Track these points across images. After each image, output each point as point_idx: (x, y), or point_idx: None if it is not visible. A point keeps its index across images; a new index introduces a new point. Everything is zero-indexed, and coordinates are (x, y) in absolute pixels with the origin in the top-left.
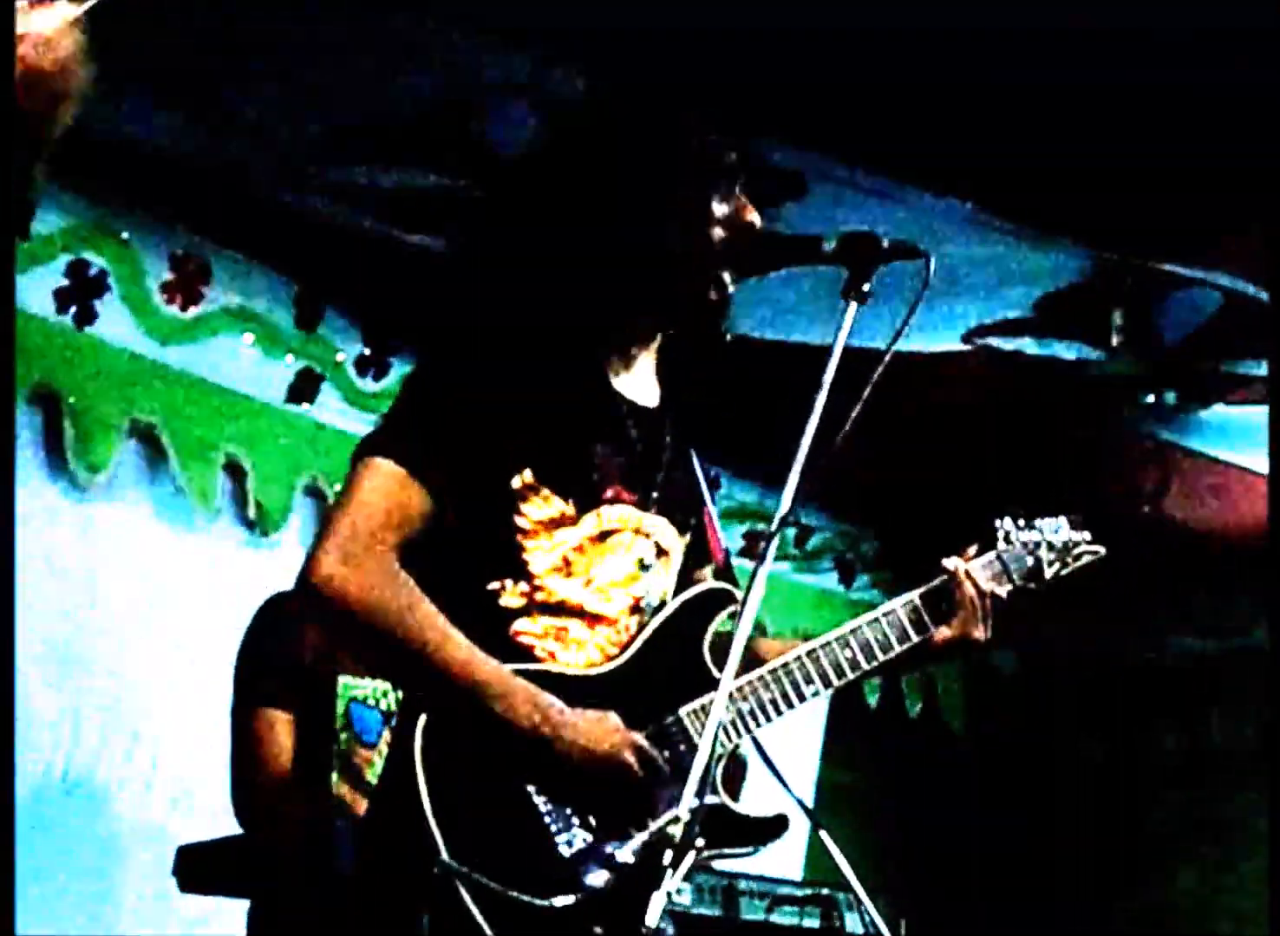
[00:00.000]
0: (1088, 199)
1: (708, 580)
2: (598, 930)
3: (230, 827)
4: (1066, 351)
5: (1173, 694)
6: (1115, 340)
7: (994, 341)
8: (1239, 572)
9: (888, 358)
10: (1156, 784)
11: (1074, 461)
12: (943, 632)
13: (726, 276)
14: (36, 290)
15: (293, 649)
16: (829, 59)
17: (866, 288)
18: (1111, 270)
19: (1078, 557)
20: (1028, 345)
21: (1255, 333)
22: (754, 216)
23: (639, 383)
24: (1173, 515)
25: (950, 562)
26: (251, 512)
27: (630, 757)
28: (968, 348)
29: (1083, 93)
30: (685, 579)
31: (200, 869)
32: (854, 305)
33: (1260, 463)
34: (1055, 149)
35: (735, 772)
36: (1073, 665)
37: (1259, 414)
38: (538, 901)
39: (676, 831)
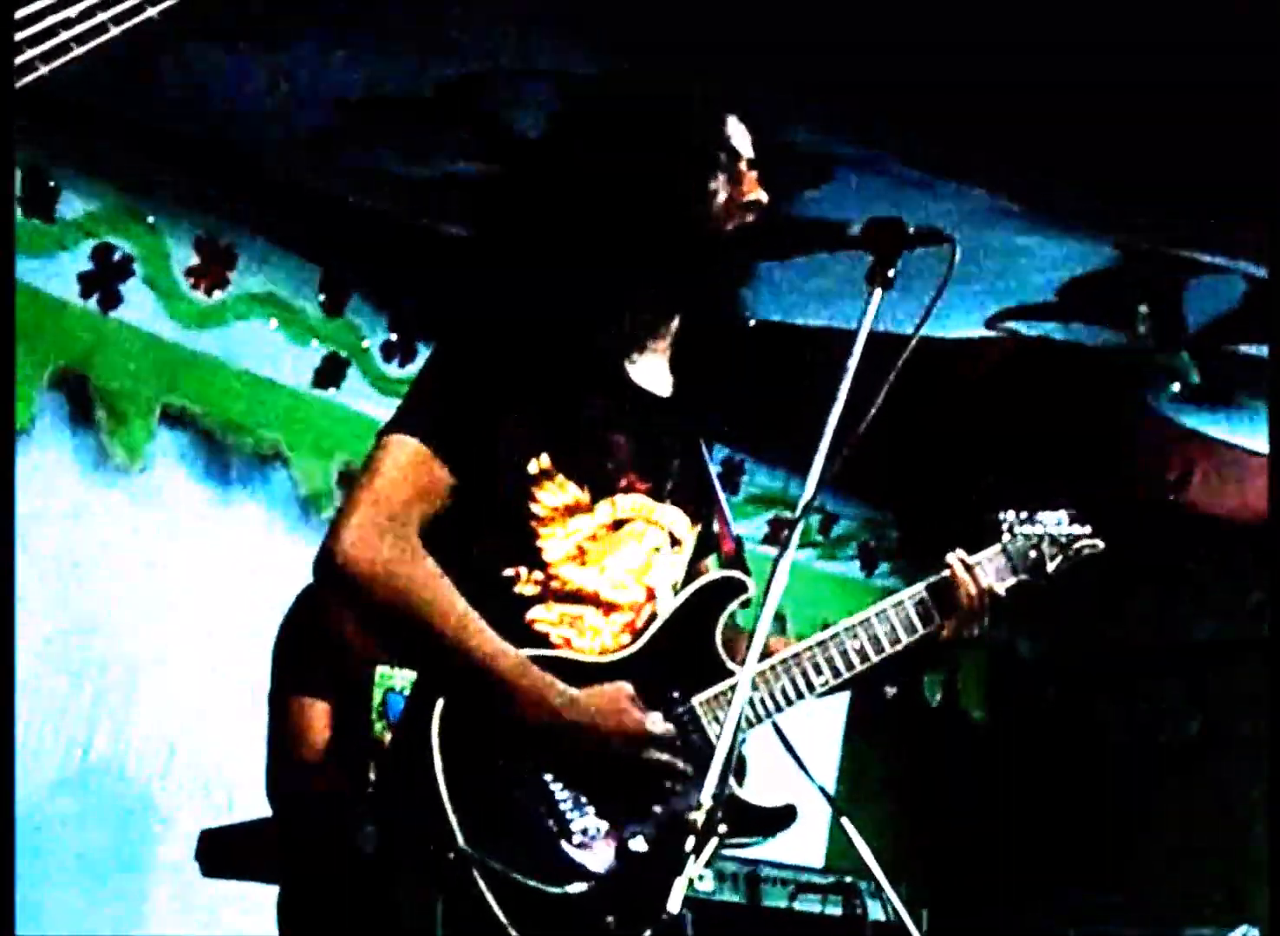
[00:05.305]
0: (1113, 187)
1: (713, 570)
2: (609, 919)
3: (252, 813)
4: (1091, 338)
5: (1193, 680)
6: (1140, 327)
7: (1019, 328)
8: (1260, 560)
9: (913, 343)
10: (1177, 770)
11: (1098, 449)
12: (946, 627)
13: (739, 254)
14: (61, 275)
15: (331, 636)
16: (857, 46)
17: (891, 273)
18: (1136, 257)
19: (1079, 551)
20: (1052, 332)
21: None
22: (759, 194)
23: (653, 372)
24: (1196, 502)
25: (952, 557)
26: (297, 496)
27: (642, 746)
28: (993, 334)
29: (1109, 82)
30: (693, 569)
31: (224, 853)
32: (879, 291)
33: None
34: (1081, 138)
35: (737, 768)
36: (1093, 652)
37: None
38: (551, 888)
39: (699, 817)
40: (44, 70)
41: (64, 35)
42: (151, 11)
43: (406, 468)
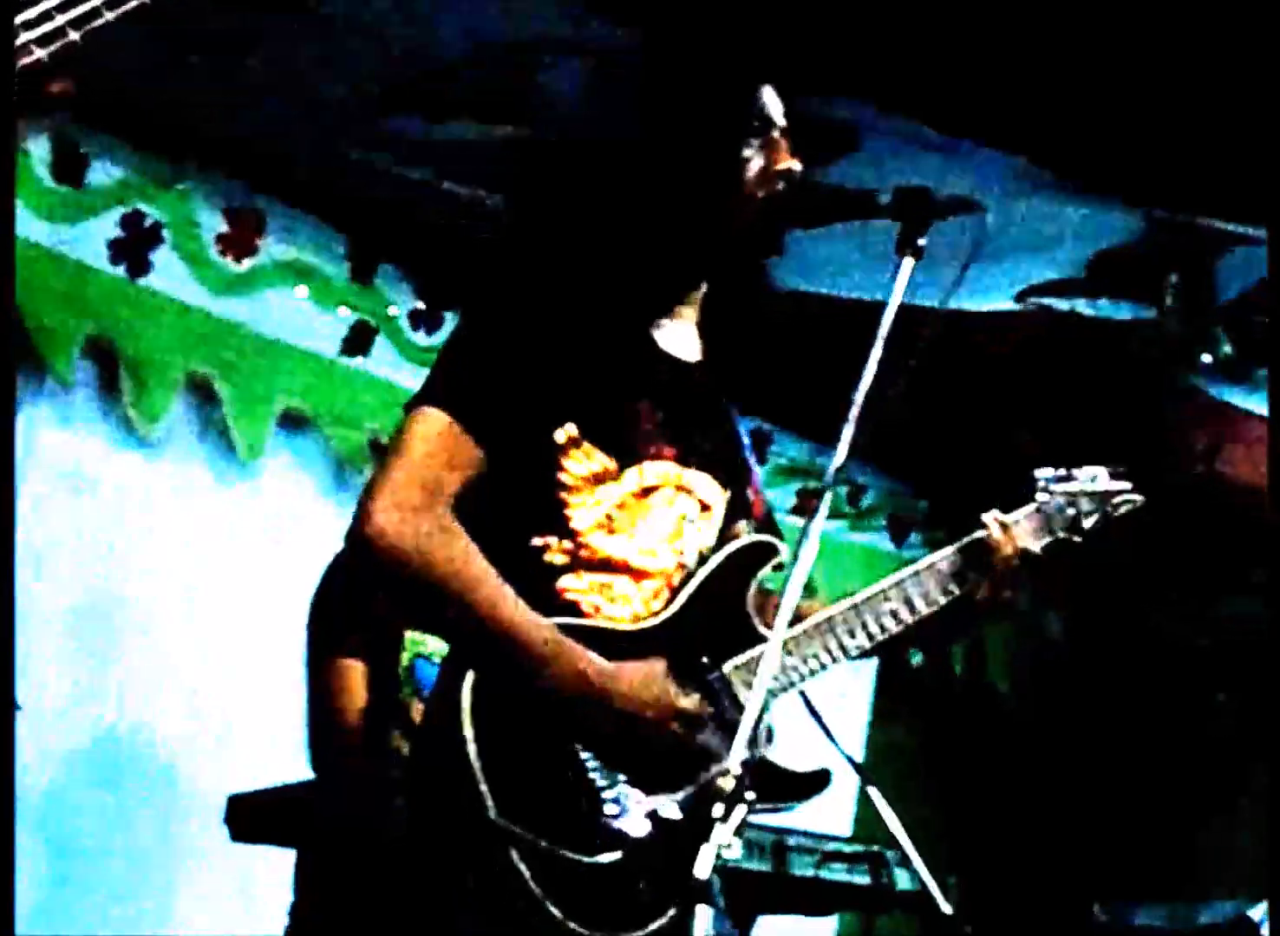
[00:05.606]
0: (1143, 155)
1: (746, 534)
2: (642, 887)
3: (278, 779)
4: (1121, 310)
5: (1222, 656)
6: (1170, 299)
7: (1048, 300)
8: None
9: (941, 315)
10: (1204, 745)
11: (1127, 421)
12: (981, 588)
13: (770, 223)
14: (91, 241)
15: (365, 599)
16: (883, 11)
17: (921, 243)
18: (1166, 227)
19: (1117, 507)
20: (1082, 304)
21: None
22: (792, 163)
23: (680, 337)
24: (1226, 475)
25: (988, 516)
26: (323, 464)
27: (675, 723)
28: (1021, 306)
29: (1139, 47)
30: (725, 533)
31: (251, 818)
32: (909, 260)
33: None
34: (1111, 104)
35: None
36: (1120, 625)
37: None
38: (585, 858)
39: (727, 784)
40: (41, 54)
41: (60, 19)
42: (109, 15)
43: (434, 440)
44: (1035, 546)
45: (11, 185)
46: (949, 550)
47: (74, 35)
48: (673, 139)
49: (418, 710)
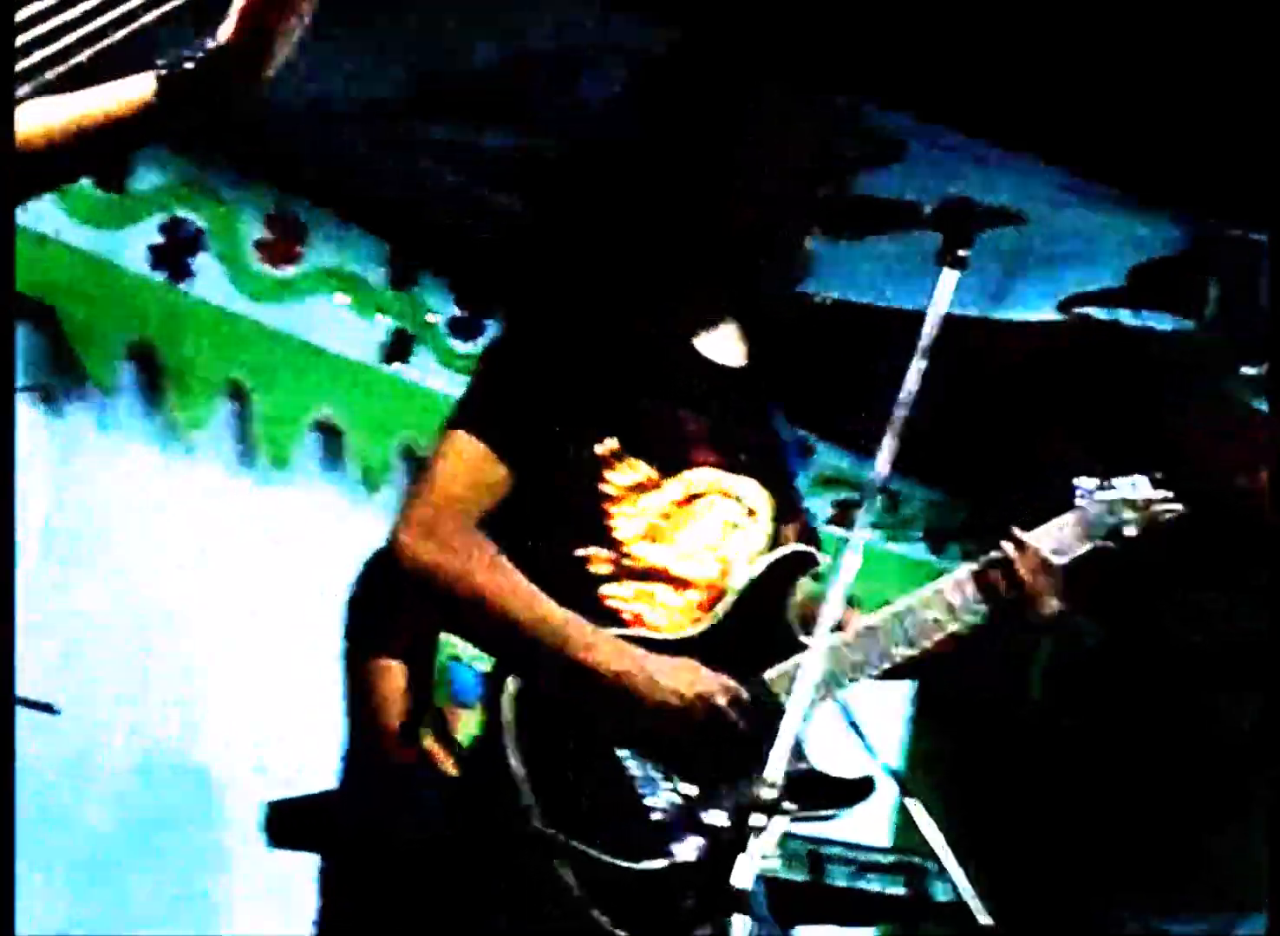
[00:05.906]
0: (1185, 166)
1: (792, 541)
2: (688, 895)
3: (317, 786)
4: (1163, 321)
5: (1259, 665)
6: (1210, 309)
7: (1090, 311)
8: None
9: (982, 324)
10: (1239, 755)
11: (1169, 432)
12: (1013, 600)
13: (800, 239)
14: (133, 247)
15: (397, 603)
16: (929, 22)
17: (963, 254)
18: (1207, 238)
19: (1157, 516)
20: (1124, 315)
21: None
22: (823, 186)
23: (721, 343)
24: (1269, 487)
25: (1015, 536)
26: (351, 471)
27: (720, 698)
28: (1064, 317)
29: (1184, 60)
30: (774, 537)
31: (289, 825)
32: (950, 272)
33: None
34: (1154, 115)
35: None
36: (1158, 634)
37: None
38: (629, 865)
39: (766, 794)
40: (24, 90)
41: (37, 55)
42: (116, 36)
43: (464, 465)
44: (1069, 556)
45: (11, 179)
46: (992, 555)
47: (51, 74)
48: (686, 142)
49: (452, 712)
